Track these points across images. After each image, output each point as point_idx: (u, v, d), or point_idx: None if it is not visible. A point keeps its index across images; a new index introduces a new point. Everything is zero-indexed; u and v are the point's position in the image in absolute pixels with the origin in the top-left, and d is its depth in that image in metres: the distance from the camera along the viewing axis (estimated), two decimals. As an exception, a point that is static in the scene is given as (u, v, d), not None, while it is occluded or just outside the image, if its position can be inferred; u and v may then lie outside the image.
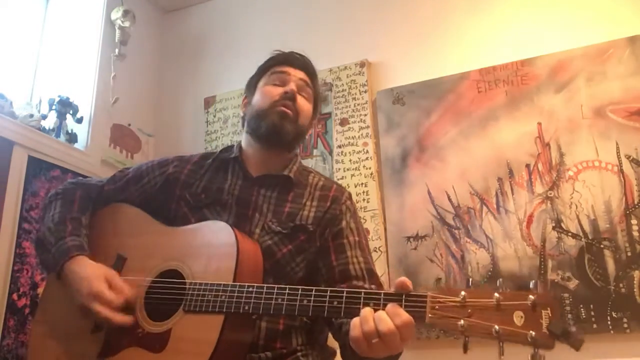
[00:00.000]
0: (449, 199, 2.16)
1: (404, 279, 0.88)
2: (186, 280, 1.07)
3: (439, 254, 2.11)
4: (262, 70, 1.36)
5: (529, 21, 2.28)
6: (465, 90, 2.26)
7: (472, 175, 2.15)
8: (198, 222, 1.19)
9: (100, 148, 2.50)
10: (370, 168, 2.33)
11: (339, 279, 1.19)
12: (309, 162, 2.45)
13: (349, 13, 2.65)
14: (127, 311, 1.09)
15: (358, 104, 2.46)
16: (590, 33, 2.14)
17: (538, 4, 2.29)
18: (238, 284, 1.01)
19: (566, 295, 1.89)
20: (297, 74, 1.32)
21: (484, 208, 2.10)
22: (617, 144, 1.98)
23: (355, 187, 2.33)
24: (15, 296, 1.97)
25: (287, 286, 0.99)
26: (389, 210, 2.24)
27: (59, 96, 2.35)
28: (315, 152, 2.48)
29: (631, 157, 1.95)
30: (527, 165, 2.09)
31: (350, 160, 2.38)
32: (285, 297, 0.97)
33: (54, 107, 2.34)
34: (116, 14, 2.64)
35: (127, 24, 2.64)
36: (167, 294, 1.08)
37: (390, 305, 0.86)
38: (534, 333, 0.75)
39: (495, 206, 2.09)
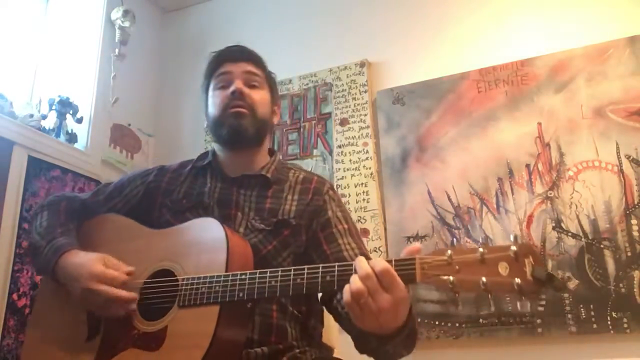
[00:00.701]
0: (449, 199, 2.16)
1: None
2: (179, 277, 1.07)
3: (439, 254, 2.11)
4: (207, 76, 1.35)
5: (529, 21, 2.28)
6: (465, 90, 2.26)
7: (472, 175, 2.15)
8: None
9: (100, 148, 2.50)
10: (370, 168, 2.33)
11: None
12: (309, 162, 2.45)
13: (349, 13, 2.65)
14: (115, 320, 1.08)
15: (358, 104, 2.46)
16: (590, 33, 2.14)
17: (538, 4, 2.29)
18: (231, 273, 1.01)
19: (566, 295, 1.89)
20: (239, 68, 1.30)
21: (484, 208, 2.10)
22: (617, 144, 1.98)
23: (355, 187, 2.33)
24: (15, 296, 1.97)
25: (280, 269, 0.99)
26: (389, 210, 2.24)
27: (59, 96, 2.36)
28: (315, 152, 2.47)
29: (631, 157, 1.95)
30: (527, 165, 2.09)
31: (350, 160, 2.38)
32: (279, 278, 0.97)
33: (54, 107, 2.35)
34: (116, 14, 2.64)
35: (127, 24, 2.64)
36: (161, 293, 1.08)
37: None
38: (519, 280, 0.77)
39: (495, 206, 2.09)
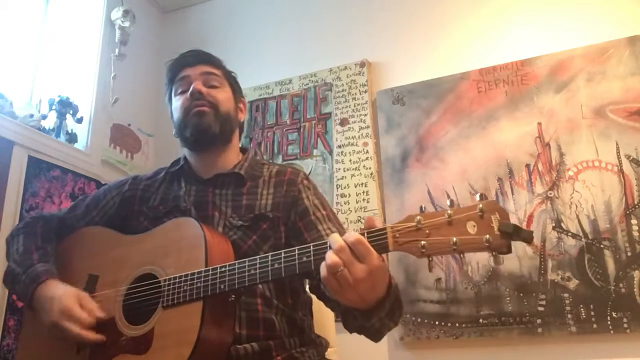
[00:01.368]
0: (449, 199, 2.15)
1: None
2: (160, 279, 1.08)
3: (439, 254, 2.11)
4: (168, 84, 1.38)
5: (530, 21, 2.28)
6: (465, 90, 2.26)
7: (472, 175, 2.15)
8: None
9: (100, 148, 2.50)
10: (370, 168, 2.33)
11: None
12: (309, 162, 2.45)
13: (349, 13, 2.65)
14: (101, 329, 1.08)
15: (358, 104, 2.46)
16: (590, 33, 2.14)
17: (538, 4, 2.29)
18: (211, 267, 1.02)
19: (566, 295, 1.90)
20: (196, 71, 1.33)
21: (484, 208, 2.10)
22: (617, 144, 1.98)
23: (355, 187, 2.33)
24: (15, 296, 1.97)
25: (258, 256, 1.00)
26: (389, 210, 2.24)
27: (59, 96, 2.36)
28: (315, 152, 2.48)
29: (631, 157, 1.95)
30: (527, 165, 2.09)
31: (350, 160, 2.38)
32: (257, 266, 0.98)
33: (54, 107, 2.35)
34: (116, 14, 2.64)
35: (127, 24, 2.64)
36: (145, 297, 1.09)
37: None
38: (488, 236, 0.79)
39: (495, 206, 2.09)
